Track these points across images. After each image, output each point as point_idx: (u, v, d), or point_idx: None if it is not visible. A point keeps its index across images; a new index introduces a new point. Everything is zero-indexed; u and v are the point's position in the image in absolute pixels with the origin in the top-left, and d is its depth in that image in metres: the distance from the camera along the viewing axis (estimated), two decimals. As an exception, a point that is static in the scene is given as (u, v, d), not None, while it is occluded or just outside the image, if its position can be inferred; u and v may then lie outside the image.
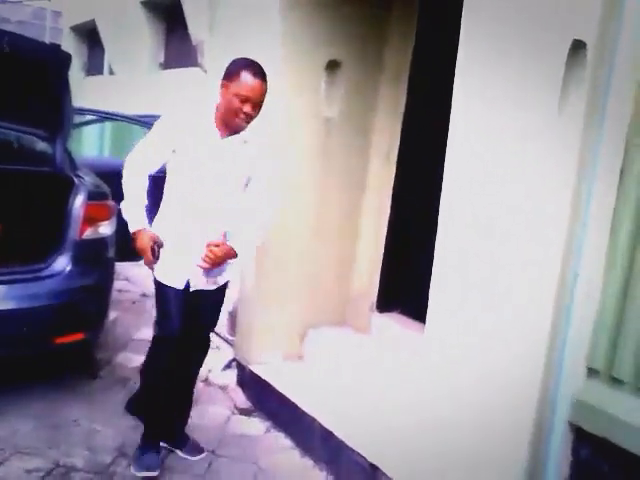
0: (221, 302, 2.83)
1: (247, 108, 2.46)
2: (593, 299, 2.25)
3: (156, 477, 2.66)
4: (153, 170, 2.60)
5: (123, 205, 2.57)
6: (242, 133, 2.56)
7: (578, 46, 2.02)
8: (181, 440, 2.89)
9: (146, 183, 2.56)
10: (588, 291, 2.19)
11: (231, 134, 2.56)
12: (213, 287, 2.71)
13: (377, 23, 3.58)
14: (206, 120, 2.56)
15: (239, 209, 2.64)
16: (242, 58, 2.55)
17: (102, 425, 3.05)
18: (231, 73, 2.49)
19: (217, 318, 2.88)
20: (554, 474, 2.27)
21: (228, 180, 2.58)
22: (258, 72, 2.48)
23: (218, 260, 2.54)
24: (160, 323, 2.71)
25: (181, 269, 2.61)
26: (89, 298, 3.19)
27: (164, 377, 2.74)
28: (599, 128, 2.10)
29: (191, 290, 2.63)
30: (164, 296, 2.66)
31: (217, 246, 2.51)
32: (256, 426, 3.08)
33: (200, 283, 2.65)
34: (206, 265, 2.53)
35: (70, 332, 3.12)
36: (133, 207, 2.53)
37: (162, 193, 2.67)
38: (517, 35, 2.11)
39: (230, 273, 2.78)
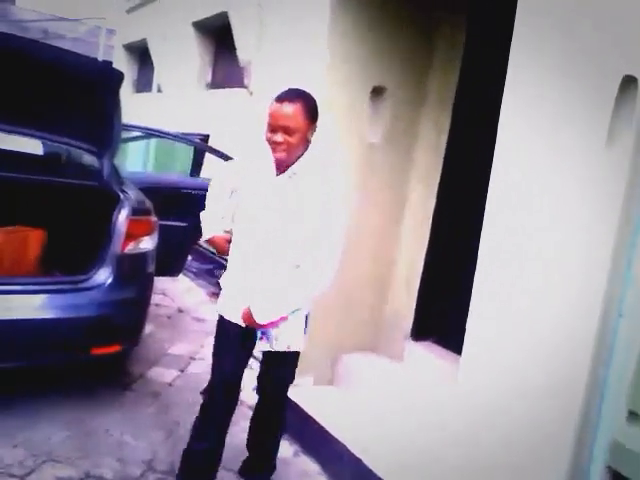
0: (292, 361, 2.60)
1: (275, 137, 2.30)
2: (636, 340, 2.19)
3: None
4: (225, 213, 2.71)
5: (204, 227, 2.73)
6: (293, 167, 2.39)
7: (629, 81, 2.00)
8: None
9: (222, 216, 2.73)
10: (631, 332, 2.12)
11: (284, 170, 2.41)
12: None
13: (423, 51, 3.60)
14: (265, 159, 2.44)
15: (303, 245, 2.41)
16: None
17: (132, 437, 3.07)
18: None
19: (289, 373, 2.62)
20: (590, 519, 2.20)
21: (284, 216, 2.40)
22: (283, 96, 2.32)
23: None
24: (213, 366, 2.62)
25: (244, 303, 2.46)
26: (128, 311, 3.24)
27: (210, 430, 2.60)
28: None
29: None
30: (221, 334, 2.58)
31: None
32: (285, 449, 3.05)
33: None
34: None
35: (107, 344, 3.17)
36: (209, 220, 2.71)
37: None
38: (567, 68, 2.09)
39: (298, 338, 2.52)
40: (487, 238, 2.29)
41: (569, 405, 2.20)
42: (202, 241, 2.83)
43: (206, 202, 2.76)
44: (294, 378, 2.66)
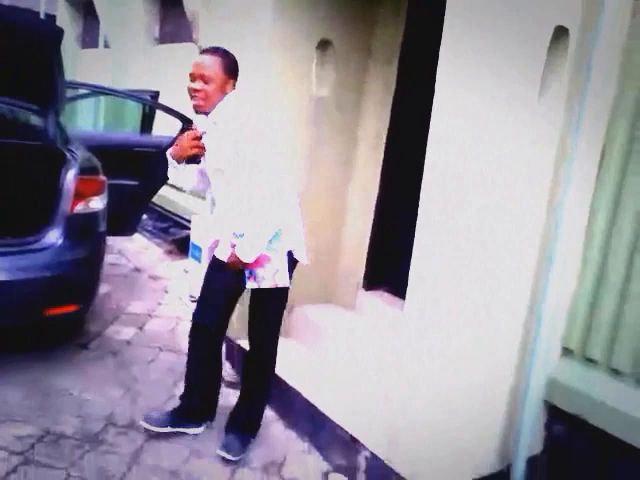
0: (271, 302, 2.67)
1: (192, 84, 2.47)
2: (570, 282, 2.31)
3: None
4: None
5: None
6: (212, 114, 2.51)
7: (560, 33, 2.06)
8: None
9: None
10: (564, 274, 2.25)
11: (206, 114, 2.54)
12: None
13: (369, 4, 3.59)
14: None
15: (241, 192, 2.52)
16: None
17: (92, 395, 3.11)
18: None
19: (275, 310, 2.71)
20: (526, 448, 2.36)
21: (215, 163, 2.56)
22: (206, 50, 2.52)
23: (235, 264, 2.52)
24: (196, 306, 2.73)
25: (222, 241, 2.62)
26: (80, 271, 3.23)
27: (194, 368, 2.79)
28: (579, 116, 2.14)
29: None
30: (208, 270, 2.71)
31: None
32: (243, 399, 3.14)
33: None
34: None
35: (61, 304, 3.17)
36: None
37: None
38: (500, 22, 2.12)
39: (283, 275, 2.59)
40: (426, 190, 2.34)
41: (507, 343, 2.33)
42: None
43: None
44: (282, 316, 2.76)
